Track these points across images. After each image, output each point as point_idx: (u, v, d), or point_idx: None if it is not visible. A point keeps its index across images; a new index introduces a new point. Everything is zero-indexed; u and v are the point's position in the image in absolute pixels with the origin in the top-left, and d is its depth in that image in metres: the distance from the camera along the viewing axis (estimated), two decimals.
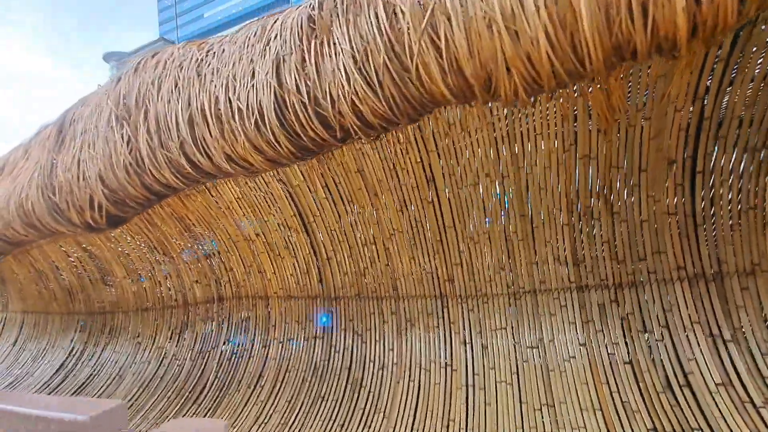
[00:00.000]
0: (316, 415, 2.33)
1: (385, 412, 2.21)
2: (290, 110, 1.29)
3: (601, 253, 2.08)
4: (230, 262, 3.00)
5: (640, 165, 1.92)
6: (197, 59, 1.58)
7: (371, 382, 2.38)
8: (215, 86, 1.46)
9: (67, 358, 3.74)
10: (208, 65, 1.52)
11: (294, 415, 2.37)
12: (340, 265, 2.66)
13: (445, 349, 2.32)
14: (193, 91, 1.52)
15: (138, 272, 3.44)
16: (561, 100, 1.83)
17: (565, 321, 2.12)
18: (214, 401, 2.68)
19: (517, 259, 2.23)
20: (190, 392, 2.81)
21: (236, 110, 1.38)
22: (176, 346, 3.18)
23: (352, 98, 1.22)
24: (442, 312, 2.40)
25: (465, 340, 2.30)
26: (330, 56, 1.23)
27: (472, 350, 2.26)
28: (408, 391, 2.26)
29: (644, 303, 2.01)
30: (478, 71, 1.06)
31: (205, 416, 2.59)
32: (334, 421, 2.27)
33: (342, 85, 1.22)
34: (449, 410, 2.10)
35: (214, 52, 1.57)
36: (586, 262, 2.11)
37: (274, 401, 2.51)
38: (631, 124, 1.84)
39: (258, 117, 1.32)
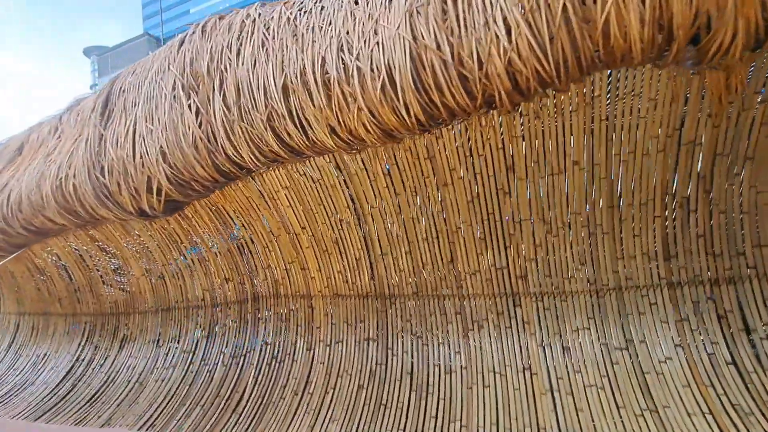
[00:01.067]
0: (381, 423, 2.12)
1: (461, 420, 2.02)
2: (428, 71, 1.10)
3: (696, 247, 1.95)
4: (268, 258, 2.76)
5: (746, 153, 1.80)
6: (288, 18, 1.37)
7: (439, 388, 2.19)
8: (320, 46, 1.25)
9: (74, 363, 3.41)
10: (306, 24, 1.31)
11: (354, 424, 2.16)
12: (396, 262, 2.47)
13: (521, 352, 2.15)
14: (289, 53, 1.31)
15: (159, 270, 3.16)
16: (675, 78, 1.68)
17: (657, 320, 1.98)
18: (257, 409, 2.44)
19: (600, 253, 2.08)
20: (226, 400, 2.56)
21: (353, 73, 1.17)
22: (204, 349, 2.92)
23: (510, 57, 1.03)
24: (515, 311, 2.23)
25: (542, 342, 2.13)
26: (481, 6, 1.04)
27: (552, 352, 2.10)
28: (484, 396, 2.08)
29: (744, 300, 1.88)
30: (686, 19, 0.89)
31: (248, 427, 2.35)
32: (403, 429, 2.07)
33: (497, 41, 1.03)
34: (536, 417, 1.93)
35: (309, 10, 1.36)
36: (679, 257, 1.97)
37: (328, 409, 2.29)
38: (744, 108, 1.71)
39: (387, 79, 1.12)
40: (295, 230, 2.60)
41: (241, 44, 1.42)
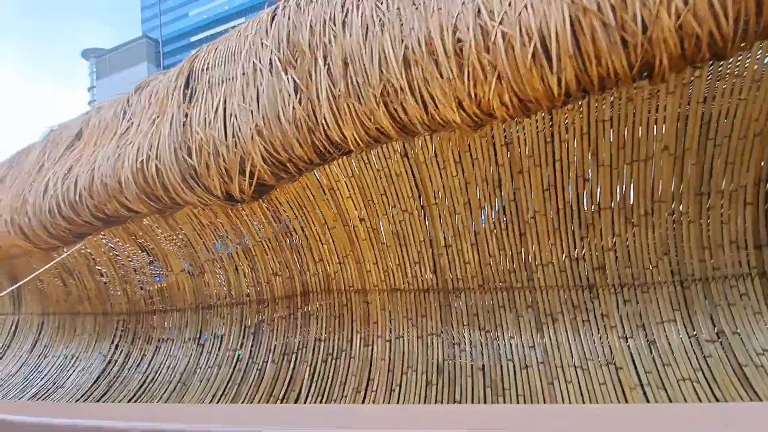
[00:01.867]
0: None
1: None
2: (587, 36, 1.02)
3: None
4: (321, 251, 2.67)
5: None
6: None
7: (516, 385, 2.10)
8: (449, 12, 1.17)
9: (107, 364, 3.28)
10: None
11: None
12: (461, 254, 2.38)
13: (602, 346, 2.07)
14: (409, 21, 1.23)
15: (200, 265, 3.05)
16: None
17: (749, 311, 1.91)
18: (319, 403, 2.34)
19: (685, 243, 2.01)
20: (282, 399, 2.45)
21: (495, 39, 1.09)
22: (251, 347, 2.81)
23: (684, 19, 0.96)
24: (592, 304, 2.15)
25: (624, 335, 2.06)
26: None
27: (636, 346, 2.02)
28: (567, 392, 2.00)
29: None
30: None
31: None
32: None
33: (669, 0, 0.96)
34: None
35: None
36: None
37: (397, 405, 2.19)
38: None
39: (539, 45, 1.05)
40: (353, 222, 2.51)
41: (346, 15, 1.34)
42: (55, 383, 3.40)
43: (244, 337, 2.88)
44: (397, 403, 2.20)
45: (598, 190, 2.05)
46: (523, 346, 2.20)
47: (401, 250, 2.49)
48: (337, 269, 2.68)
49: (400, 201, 2.38)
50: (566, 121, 1.95)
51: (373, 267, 2.58)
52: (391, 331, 2.50)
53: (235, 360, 2.80)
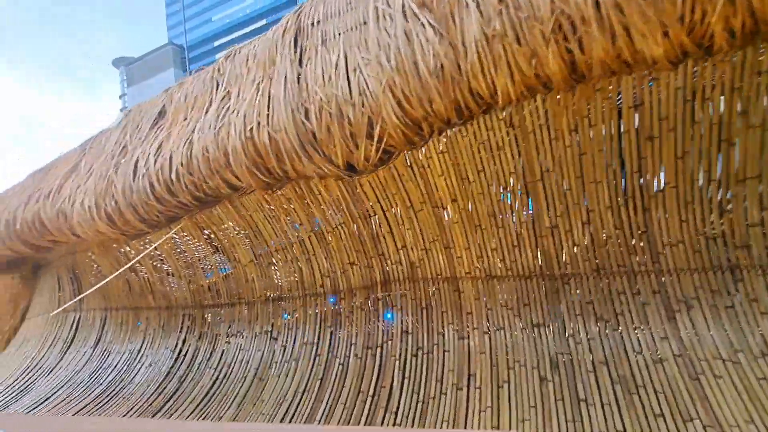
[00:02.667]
0: (589, 422, 1.79)
1: (700, 417, 1.68)
2: None
3: None
4: (404, 237, 2.47)
5: None
6: None
7: (651, 380, 1.84)
8: None
9: (176, 360, 3.20)
10: None
11: (554, 422, 1.84)
12: (570, 235, 2.14)
13: (752, 335, 1.79)
14: None
15: (270, 255, 2.91)
16: None
17: None
18: (414, 404, 2.15)
19: None
20: (373, 396, 2.27)
21: None
22: (330, 341, 2.65)
23: None
24: (735, 287, 1.87)
25: None
26: None
27: None
28: (719, 389, 1.73)
29: None
30: None
31: (409, 423, 2.05)
32: (623, 430, 1.73)
33: None
34: None
35: None
36: None
37: (509, 403, 1.97)
38: None
39: None
40: (443, 203, 2.30)
41: None
42: (122, 379, 3.34)
43: (320, 329, 2.72)
44: (508, 402, 1.98)
45: (745, 156, 1.77)
46: (652, 337, 1.94)
47: (498, 233, 2.27)
48: (422, 256, 2.48)
49: (499, 177, 2.16)
50: (714, 75, 1.68)
51: (464, 252, 2.37)
52: (489, 322, 2.28)
53: (313, 354, 2.65)
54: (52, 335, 4.16)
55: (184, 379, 3.02)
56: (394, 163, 2.27)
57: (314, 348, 2.68)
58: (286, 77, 1.41)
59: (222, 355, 3.03)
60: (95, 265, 3.91)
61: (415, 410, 2.14)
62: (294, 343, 2.78)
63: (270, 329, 2.93)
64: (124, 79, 54.43)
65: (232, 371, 2.89)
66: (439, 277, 2.46)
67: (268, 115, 1.41)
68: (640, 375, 1.87)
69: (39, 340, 4.23)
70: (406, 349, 2.40)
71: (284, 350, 2.79)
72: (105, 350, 3.74)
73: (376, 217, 2.51)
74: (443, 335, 2.36)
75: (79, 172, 2.42)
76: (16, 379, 3.88)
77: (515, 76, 1.13)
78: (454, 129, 2.03)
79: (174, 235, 3.23)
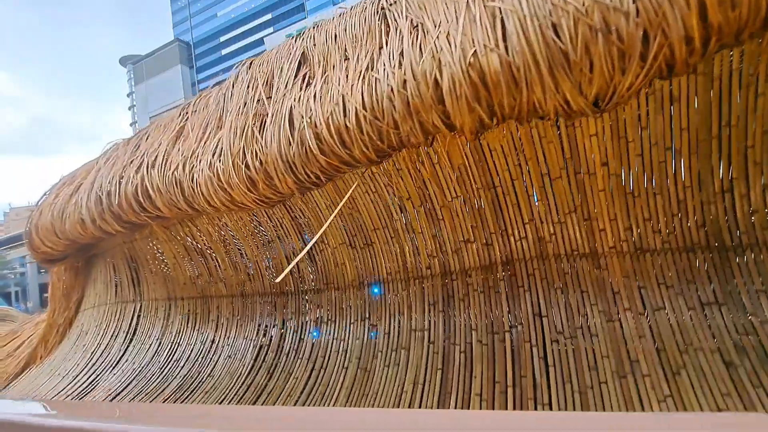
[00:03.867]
0: None
1: None
2: None
3: None
4: (533, 210, 2.21)
5: None
6: None
7: None
8: None
9: (259, 351, 2.98)
10: None
11: (759, 409, 1.58)
12: (746, 199, 1.87)
13: None
14: None
15: (367, 235, 2.66)
16: None
17: None
18: (570, 395, 1.90)
19: None
20: (513, 386, 2.03)
21: None
22: (444, 327, 2.41)
23: None
24: None
25: None
26: None
27: None
28: None
29: None
30: None
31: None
32: None
33: None
34: None
35: None
36: None
37: (694, 392, 1.72)
38: None
39: None
40: (589, 168, 2.04)
41: None
42: (199, 372, 3.13)
43: (430, 314, 2.47)
44: (693, 390, 1.73)
45: None
46: None
47: (654, 201, 2.00)
48: (553, 230, 2.22)
49: (665, 135, 1.88)
50: None
51: (608, 225, 2.10)
52: (643, 302, 2.02)
53: (425, 341, 2.41)
54: (111, 327, 3.97)
55: (274, 371, 2.80)
56: (537, 123, 2.00)
57: (425, 335, 2.44)
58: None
59: (313, 345, 2.80)
60: (158, 252, 3.70)
61: (573, 402, 1.89)
62: (399, 330, 2.54)
63: (367, 316, 2.69)
64: (132, 77, 54.41)
65: (328, 362, 2.66)
66: (576, 253, 2.20)
67: (496, 36, 1.14)
68: None
69: (97, 332, 4.04)
70: (543, 334, 2.15)
71: (388, 338, 2.55)
72: (173, 342, 3.54)
73: (500, 188, 2.25)
74: (586, 318, 2.10)
75: (188, 137, 2.19)
76: (80, 373, 3.70)
77: None
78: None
79: (253, 214, 3.00)
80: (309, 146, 1.48)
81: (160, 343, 3.62)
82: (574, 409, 1.86)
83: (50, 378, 3.78)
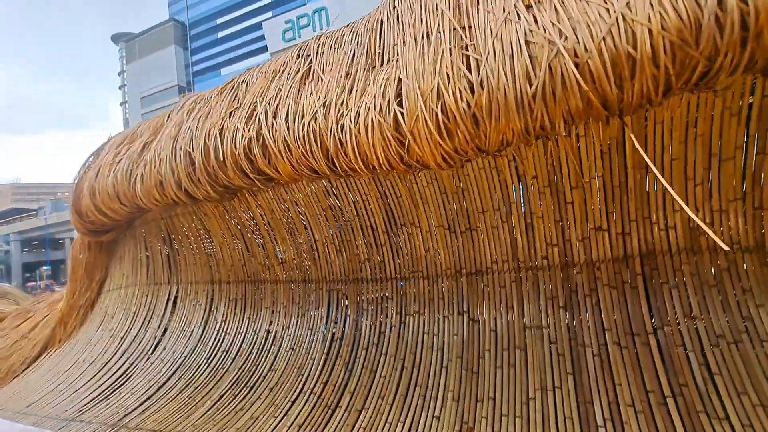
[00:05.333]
0: None
1: None
2: None
3: None
4: (689, 195, 1.93)
5: None
6: None
7: None
8: None
9: (330, 344, 2.65)
10: None
11: None
12: None
13: None
14: None
15: (470, 218, 2.35)
16: None
17: None
18: (751, 408, 1.63)
19: None
20: (674, 396, 1.75)
21: None
22: (568, 325, 2.12)
23: None
24: None
25: None
26: None
27: None
28: None
29: None
30: None
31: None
32: None
33: None
34: None
35: None
36: None
37: None
38: None
39: None
40: (766, 146, 1.76)
41: None
42: (257, 365, 2.79)
43: (549, 310, 2.18)
44: None
45: None
46: None
47: None
48: (711, 220, 1.94)
49: None
50: None
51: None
52: None
53: (546, 340, 2.11)
54: (143, 311, 3.58)
55: (353, 367, 2.47)
56: (707, 97, 1.71)
57: (543, 333, 2.15)
58: None
59: (398, 339, 2.48)
60: (203, 231, 3.32)
61: (757, 416, 1.62)
62: (509, 327, 2.24)
63: (467, 309, 2.38)
64: (123, 55, 52.62)
65: (421, 360, 2.34)
66: (737, 246, 1.93)
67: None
68: None
69: (126, 316, 3.65)
70: (699, 337, 1.87)
71: (495, 335, 2.25)
72: (219, 330, 3.18)
73: (648, 171, 1.96)
74: (752, 320, 1.84)
75: (319, 81, 1.82)
76: (110, 359, 3.31)
77: None
78: None
79: (332, 190, 2.65)
80: (568, 79, 1.11)
81: (203, 331, 3.25)
82: (761, 425, 1.59)
83: (76, 364, 3.38)
